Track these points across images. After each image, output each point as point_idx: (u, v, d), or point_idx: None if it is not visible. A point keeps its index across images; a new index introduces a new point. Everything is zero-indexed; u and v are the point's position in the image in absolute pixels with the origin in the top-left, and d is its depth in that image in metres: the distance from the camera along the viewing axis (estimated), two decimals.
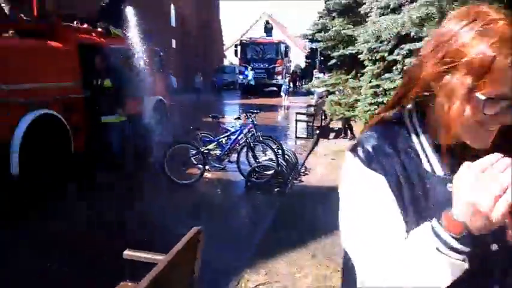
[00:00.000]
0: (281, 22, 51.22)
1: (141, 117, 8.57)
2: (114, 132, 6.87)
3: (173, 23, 22.67)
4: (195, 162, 6.66)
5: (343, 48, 8.25)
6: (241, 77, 24.35)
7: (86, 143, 6.80)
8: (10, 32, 5.78)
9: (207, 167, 6.40)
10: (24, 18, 5.81)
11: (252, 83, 24.33)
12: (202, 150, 6.42)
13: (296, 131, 10.81)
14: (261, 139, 6.75)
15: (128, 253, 2.44)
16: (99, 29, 7.74)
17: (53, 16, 6.58)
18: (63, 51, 6.15)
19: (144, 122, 8.69)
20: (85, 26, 7.51)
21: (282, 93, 20.36)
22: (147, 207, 5.53)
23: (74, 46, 6.42)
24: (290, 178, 6.60)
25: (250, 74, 24.61)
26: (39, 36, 6.09)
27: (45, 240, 4.37)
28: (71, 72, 6.34)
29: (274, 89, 24.71)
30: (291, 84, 25.42)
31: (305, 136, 10.85)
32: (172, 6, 22.10)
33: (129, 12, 8.69)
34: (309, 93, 20.09)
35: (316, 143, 9.78)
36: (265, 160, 6.64)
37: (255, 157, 6.56)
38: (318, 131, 11.14)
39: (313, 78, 16.15)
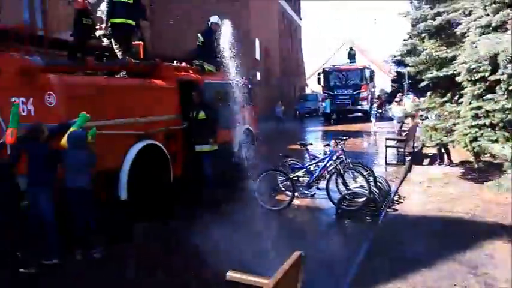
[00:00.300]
0: (364, 47, 50.47)
1: (231, 146, 9.00)
2: (207, 160, 7.29)
3: (258, 55, 23.62)
4: (283, 188, 6.75)
5: (437, 70, 7.84)
6: (323, 104, 24.33)
7: (183, 170, 7.31)
8: (121, 73, 6.57)
9: (296, 194, 6.44)
10: (133, 60, 6.51)
11: (327, 111, 24.22)
12: (291, 177, 6.51)
13: (386, 157, 10.40)
14: (351, 166, 6.63)
15: (231, 275, 2.51)
16: (195, 66, 8.38)
17: (156, 57, 7.32)
18: (165, 88, 6.77)
19: (235, 150, 9.10)
20: (183, 64, 8.22)
21: (372, 119, 19.85)
22: (238, 231, 5.70)
23: (174, 83, 7.04)
24: (383, 206, 6.36)
25: (328, 104, 24.46)
26: (145, 75, 6.82)
27: (147, 259, 4.74)
28: (172, 106, 6.94)
29: (359, 114, 24.20)
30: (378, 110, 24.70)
31: (396, 162, 10.39)
32: (257, 40, 23.11)
33: (220, 50, 9.32)
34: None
35: (409, 170, 9.31)
36: (356, 187, 6.49)
37: (345, 184, 6.45)
38: (410, 157, 10.61)
39: (393, 102, 15.43)
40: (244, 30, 22.00)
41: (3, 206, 4.25)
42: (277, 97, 28.66)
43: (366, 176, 6.43)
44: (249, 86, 10.45)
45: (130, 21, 6.57)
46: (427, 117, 9.91)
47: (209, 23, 8.74)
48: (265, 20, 25.31)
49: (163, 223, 6.04)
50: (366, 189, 6.22)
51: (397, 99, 15.02)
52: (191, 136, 7.29)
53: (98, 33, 6.94)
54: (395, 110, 13.76)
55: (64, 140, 4.60)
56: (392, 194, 7.07)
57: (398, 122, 12.97)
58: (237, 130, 9.13)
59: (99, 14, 6.92)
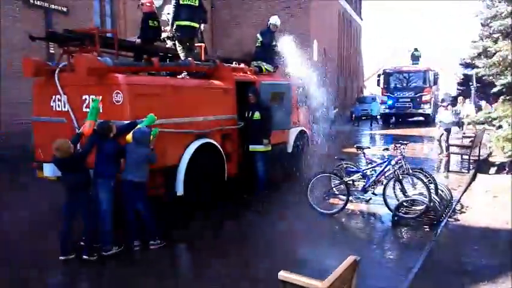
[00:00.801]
0: (429, 48, 48.13)
1: (286, 147, 9.02)
2: (261, 160, 7.36)
3: (315, 57, 23.37)
4: (337, 192, 6.62)
5: None
6: (383, 106, 23.50)
7: (238, 170, 7.45)
8: (183, 74, 6.82)
9: (350, 198, 6.30)
10: (194, 61, 6.75)
11: (375, 114, 23.78)
12: (345, 180, 6.38)
13: (449, 164, 9.85)
14: (411, 172, 6.37)
15: (283, 274, 2.51)
16: (253, 67, 8.49)
17: (216, 59, 7.52)
18: (223, 89, 6.94)
19: (289, 151, 9.11)
20: (241, 65, 8.36)
21: (437, 123, 18.82)
22: (289, 233, 5.71)
23: (232, 84, 7.19)
24: (444, 216, 6.04)
25: (375, 107, 24.00)
26: (205, 76, 7.04)
27: (201, 253, 4.89)
28: (228, 106, 7.10)
29: (421, 118, 23.12)
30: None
31: (459, 170, 9.81)
32: (315, 41, 22.89)
33: (278, 50, 9.36)
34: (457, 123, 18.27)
35: (473, 178, 8.74)
36: (415, 194, 6.22)
37: (403, 190, 6.20)
38: (475, 165, 9.96)
39: (440, 106, 13.49)
40: (303, 31, 21.90)
41: (78, 194, 4.61)
42: (335, 99, 28.27)
43: (427, 182, 6.15)
44: (304, 87, 10.38)
45: (194, 24, 6.80)
46: (500, 126, 9.16)
47: (268, 24, 8.82)
48: (324, 20, 24.98)
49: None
50: (425, 197, 5.94)
51: (444, 103, 13.23)
52: (246, 136, 7.41)
53: (163, 35, 7.27)
54: (442, 115, 11.94)
55: (129, 136, 4.87)
56: (454, 203, 6.69)
57: (446, 130, 11.37)
58: (292, 131, 9.14)
59: (163, 17, 7.24)
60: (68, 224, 4.66)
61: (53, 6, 12.50)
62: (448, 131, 11.42)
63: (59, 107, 5.73)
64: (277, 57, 9.63)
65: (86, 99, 5.44)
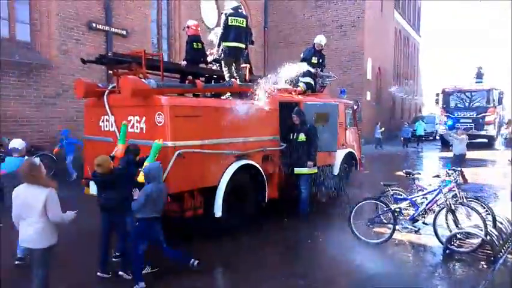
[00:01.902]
0: (493, 66, 45.27)
1: (331, 170, 8.74)
2: (304, 183, 7.17)
3: (369, 76, 22.78)
4: (384, 220, 6.25)
5: None
6: (442, 127, 22.24)
7: (279, 192, 7.31)
8: (226, 94, 6.88)
9: (397, 227, 5.90)
10: (238, 82, 6.79)
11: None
12: (393, 208, 6.00)
13: None
14: (465, 201, 5.87)
15: None
16: (298, 87, 8.40)
17: (259, 79, 7.51)
18: (266, 110, 6.89)
19: (335, 173, 8.82)
20: (286, 86, 8.30)
21: (502, 146, 17.55)
22: (327, 262, 5.44)
23: (275, 104, 7.13)
24: (503, 251, 5.45)
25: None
26: (249, 97, 7.05)
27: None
28: (271, 127, 7.03)
29: (484, 140, 21.58)
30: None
31: None
32: (369, 60, 22.35)
33: (325, 70, 9.21)
34: None
35: None
36: (470, 226, 5.70)
37: (456, 222, 5.72)
38: None
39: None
40: (356, 50, 21.52)
41: (114, 213, 4.72)
42: (389, 118, 27.27)
43: (483, 214, 5.62)
44: (355, 108, 10.09)
45: (241, 45, 6.86)
46: None
47: (313, 43, 8.75)
48: (379, 38, 24.37)
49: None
50: (481, 229, 5.42)
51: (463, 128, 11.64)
52: (290, 158, 7.28)
53: (209, 58, 7.41)
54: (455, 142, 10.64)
55: (141, 177, 4.72)
56: None
57: (456, 157, 10.29)
58: (339, 153, 8.86)
59: (212, 37, 7.38)
60: (106, 241, 4.77)
61: (113, 30, 13.31)
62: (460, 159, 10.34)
63: (106, 126, 5.99)
64: (325, 77, 9.50)
65: (131, 119, 5.63)
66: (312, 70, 8.57)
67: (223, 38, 6.74)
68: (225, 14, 6.73)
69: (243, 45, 6.94)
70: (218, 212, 5.86)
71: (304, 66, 8.11)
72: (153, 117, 5.34)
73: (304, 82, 8.48)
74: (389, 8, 26.75)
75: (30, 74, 10.96)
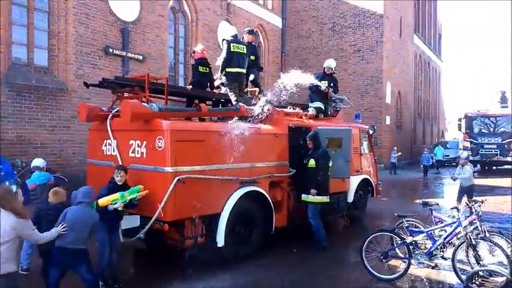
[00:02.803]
0: None
1: (345, 197, 8.36)
2: (312, 211, 6.81)
3: (388, 100, 22.36)
4: (399, 254, 5.79)
5: None
6: (465, 153, 21.44)
7: (288, 220, 6.97)
8: (234, 118, 6.69)
9: (412, 262, 5.45)
10: (245, 106, 6.61)
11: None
12: (408, 241, 5.56)
13: None
14: (487, 235, 5.39)
15: None
16: (310, 112, 8.15)
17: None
18: (274, 135, 6.66)
19: (349, 201, 8.43)
20: (297, 110, 8.07)
21: None
22: None
23: (285, 129, 6.89)
24: None
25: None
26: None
27: None
28: (280, 153, 6.77)
29: (510, 167, 20.66)
30: None
31: None
32: (388, 84, 22.00)
33: (335, 94, 8.95)
34: None
35: None
36: (493, 264, 5.20)
37: (477, 258, 5.23)
38: None
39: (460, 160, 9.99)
40: (375, 74, 21.25)
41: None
42: (409, 143, 26.57)
43: (508, 250, 5.13)
44: (371, 133, 9.74)
45: (242, 70, 6.83)
46: None
47: (323, 67, 8.57)
48: (398, 62, 24.06)
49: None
50: (506, 267, 4.93)
51: (463, 155, 10.05)
52: (299, 184, 6.97)
53: (216, 82, 7.29)
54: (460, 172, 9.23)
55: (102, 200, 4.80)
56: None
57: (462, 190, 9.25)
58: (353, 180, 8.48)
59: (219, 62, 7.30)
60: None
61: (129, 55, 13.51)
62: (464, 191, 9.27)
63: (109, 151, 5.86)
64: (338, 100, 9.23)
65: (132, 144, 5.48)
66: (323, 87, 8.34)
67: (226, 63, 6.75)
68: (227, 41, 6.80)
69: (244, 71, 6.98)
70: (221, 241, 5.58)
71: (308, 79, 7.81)
72: (153, 141, 5.17)
73: (313, 107, 8.24)
74: (408, 32, 26.52)
75: (46, 98, 11.13)
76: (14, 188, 3.52)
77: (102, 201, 4.76)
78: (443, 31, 40.74)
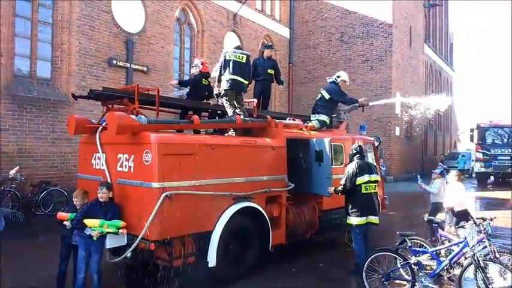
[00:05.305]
0: None
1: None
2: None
3: (398, 110, 21.95)
4: (403, 276, 5.42)
5: None
6: (478, 164, 20.88)
7: (286, 236, 6.65)
8: (230, 131, 6.45)
9: (416, 285, 5.09)
10: (241, 118, 6.37)
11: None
12: (411, 262, 5.20)
13: None
14: (497, 255, 5.00)
15: None
16: (312, 124, 7.85)
17: (267, 115, 7.07)
18: (272, 147, 6.38)
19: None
20: (298, 121, 7.80)
21: None
22: None
23: (283, 141, 6.61)
24: None
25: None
26: (255, 133, 6.60)
27: None
28: (277, 166, 6.47)
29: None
30: None
31: None
32: (397, 94, 21.60)
33: (344, 106, 8.64)
34: None
35: None
36: (504, 287, 4.81)
37: (486, 280, 4.84)
38: None
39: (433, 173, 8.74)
40: (384, 84, 20.90)
41: None
42: (420, 155, 25.98)
43: None
44: (375, 144, 9.37)
45: (240, 79, 6.55)
46: None
47: (336, 77, 8.27)
48: (408, 72, 23.67)
49: None
50: None
51: (437, 169, 8.69)
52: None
53: (214, 92, 7.09)
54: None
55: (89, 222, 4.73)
56: None
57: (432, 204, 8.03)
58: None
59: (214, 74, 7.11)
60: None
61: (133, 66, 13.43)
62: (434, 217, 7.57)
63: (98, 165, 5.66)
64: (343, 112, 8.95)
65: (120, 158, 5.27)
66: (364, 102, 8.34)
67: (221, 72, 6.61)
68: (223, 53, 6.70)
69: (243, 80, 6.66)
70: (212, 261, 5.28)
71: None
72: (141, 155, 4.94)
73: (318, 120, 7.94)
74: (419, 42, 26.14)
75: (48, 110, 11.05)
76: None
77: (87, 222, 4.62)
78: (454, 40, 40.18)
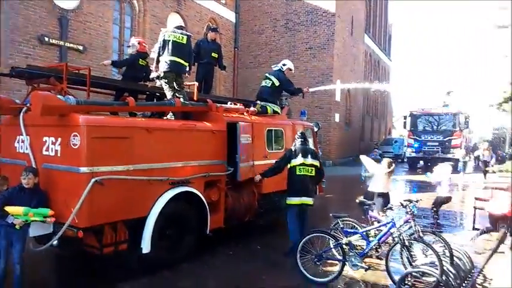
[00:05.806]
0: (462, 90, 46.55)
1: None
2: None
3: (338, 97, 22.69)
4: (336, 255, 5.65)
5: None
6: (409, 149, 22.29)
7: (226, 221, 6.66)
8: (168, 114, 6.27)
9: (346, 264, 5.33)
10: (181, 101, 6.20)
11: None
12: (342, 242, 5.43)
13: (474, 222, 8.63)
14: (421, 235, 5.36)
15: None
16: (253, 108, 7.84)
17: (207, 99, 6.95)
18: (212, 131, 6.30)
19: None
20: (239, 105, 7.75)
21: (460, 171, 17.53)
22: None
23: (223, 125, 6.55)
24: None
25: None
26: (195, 117, 6.47)
27: None
28: (217, 151, 6.41)
29: (450, 163, 21.62)
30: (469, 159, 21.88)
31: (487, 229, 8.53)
32: (338, 82, 22.27)
33: (291, 90, 8.72)
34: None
35: (502, 241, 7.48)
36: (425, 264, 5.18)
37: (410, 259, 5.19)
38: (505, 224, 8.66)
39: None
40: (325, 72, 21.43)
41: None
42: (358, 140, 27.17)
43: (438, 250, 5.12)
44: (315, 129, 9.61)
45: (180, 60, 6.35)
46: None
47: (282, 65, 8.30)
48: (349, 61, 24.47)
49: None
50: (437, 268, 4.91)
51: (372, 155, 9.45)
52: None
53: (152, 75, 6.82)
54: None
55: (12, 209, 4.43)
56: (476, 274, 5.58)
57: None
58: None
59: (153, 55, 6.84)
60: None
61: (67, 45, 12.59)
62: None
63: (21, 148, 5.25)
64: (284, 98, 9.06)
65: (46, 141, 4.93)
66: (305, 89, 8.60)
67: (159, 52, 6.36)
68: (162, 32, 6.42)
69: (183, 61, 6.43)
70: (146, 247, 5.15)
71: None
72: (68, 138, 4.65)
73: (273, 109, 7.97)
74: (359, 32, 27.04)
75: None
76: None
77: (10, 210, 4.29)
78: (393, 32, 42.05)
